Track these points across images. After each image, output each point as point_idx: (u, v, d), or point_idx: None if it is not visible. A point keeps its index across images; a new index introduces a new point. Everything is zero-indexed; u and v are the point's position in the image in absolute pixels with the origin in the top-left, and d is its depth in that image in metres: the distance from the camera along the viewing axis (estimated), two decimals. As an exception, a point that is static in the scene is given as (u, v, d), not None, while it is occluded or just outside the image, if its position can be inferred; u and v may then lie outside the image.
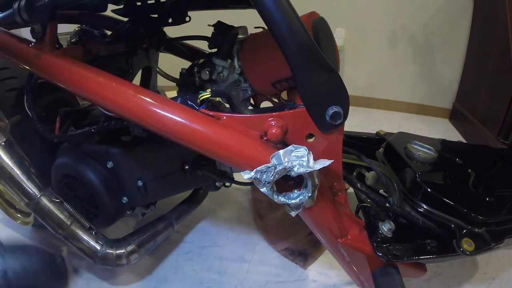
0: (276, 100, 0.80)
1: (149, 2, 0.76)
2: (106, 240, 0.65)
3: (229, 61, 0.66)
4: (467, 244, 0.57)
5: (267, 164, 0.39)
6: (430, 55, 1.82)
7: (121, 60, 0.80)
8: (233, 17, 0.74)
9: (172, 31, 0.88)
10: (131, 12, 0.77)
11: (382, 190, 0.74)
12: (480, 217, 0.61)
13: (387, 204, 0.60)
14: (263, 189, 0.40)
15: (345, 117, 0.42)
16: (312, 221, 0.52)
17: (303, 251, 0.91)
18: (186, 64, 0.75)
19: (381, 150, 0.86)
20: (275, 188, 0.40)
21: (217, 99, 0.53)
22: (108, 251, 0.65)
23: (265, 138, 0.43)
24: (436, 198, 0.64)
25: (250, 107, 0.74)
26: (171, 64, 0.91)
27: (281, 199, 0.38)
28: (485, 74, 1.56)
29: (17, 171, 0.59)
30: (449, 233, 0.61)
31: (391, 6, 1.74)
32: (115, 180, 0.64)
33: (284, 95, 0.76)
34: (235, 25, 0.68)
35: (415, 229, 0.63)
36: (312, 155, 0.37)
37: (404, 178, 0.73)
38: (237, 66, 0.67)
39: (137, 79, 0.93)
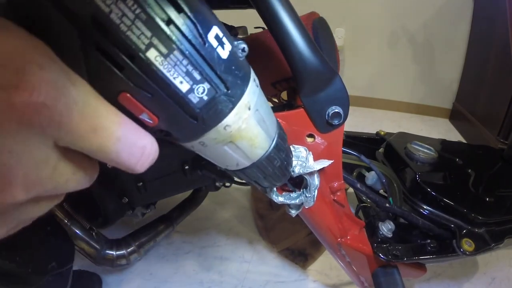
0: (276, 100, 0.80)
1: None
2: (106, 240, 0.65)
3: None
4: (467, 244, 0.57)
5: (267, 165, 0.39)
6: (430, 55, 1.82)
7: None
8: (233, 17, 0.74)
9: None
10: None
11: (382, 190, 0.74)
12: (480, 217, 0.61)
13: (387, 205, 0.60)
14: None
15: (345, 118, 0.42)
16: (312, 221, 0.52)
17: (303, 251, 0.91)
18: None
19: (381, 150, 0.86)
20: (274, 188, 0.40)
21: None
22: (108, 251, 0.65)
23: (265, 138, 0.43)
24: (436, 198, 0.64)
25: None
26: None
27: (281, 199, 0.38)
28: (485, 74, 1.56)
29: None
30: (449, 233, 0.61)
31: (391, 6, 1.74)
32: (115, 180, 0.64)
33: (284, 95, 0.76)
34: (235, 25, 0.68)
35: (415, 229, 0.63)
36: (312, 155, 0.37)
37: (404, 178, 0.73)
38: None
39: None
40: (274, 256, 0.90)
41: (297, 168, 0.35)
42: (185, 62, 0.16)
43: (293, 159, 0.36)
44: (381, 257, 0.56)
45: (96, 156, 0.16)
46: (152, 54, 0.15)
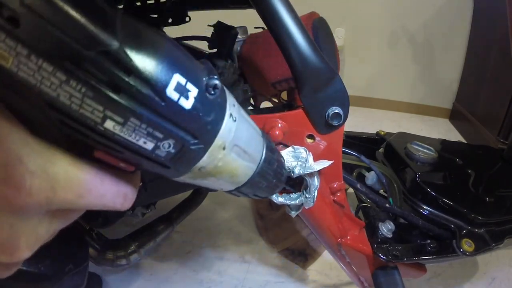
0: (276, 100, 0.80)
1: (148, 2, 0.76)
2: (106, 240, 0.65)
3: (229, 61, 0.66)
4: (467, 245, 0.57)
5: (267, 165, 0.39)
6: (430, 55, 1.82)
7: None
8: (233, 17, 0.74)
9: (172, 31, 0.88)
10: (130, 12, 0.77)
11: (382, 190, 0.74)
12: (480, 218, 0.61)
13: (387, 205, 0.60)
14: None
15: (345, 119, 0.42)
16: (312, 222, 0.52)
17: (303, 251, 0.91)
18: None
19: (381, 150, 0.86)
20: (275, 189, 0.40)
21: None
22: (108, 251, 0.65)
23: (265, 138, 0.43)
24: (436, 198, 0.64)
25: (250, 108, 0.74)
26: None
27: (281, 200, 0.38)
28: (485, 74, 1.56)
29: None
30: (449, 233, 0.61)
31: (391, 6, 1.74)
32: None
33: (284, 95, 0.76)
34: (235, 25, 0.68)
35: (415, 230, 0.63)
36: (312, 155, 0.37)
37: (404, 178, 0.73)
38: (237, 67, 0.66)
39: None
40: (274, 256, 0.90)
41: (297, 169, 0.35)
42: (143, 125, 0.16)
43: (293, 159, 0.36)
44: (381, 257, 0.56)
45: (84, 209, 0.18)
46: (109, 125, 0.15)
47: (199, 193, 0.89)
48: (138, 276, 0.82)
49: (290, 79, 0.63)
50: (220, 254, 0.90)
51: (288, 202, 0.39)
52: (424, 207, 0.64)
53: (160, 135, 0.16)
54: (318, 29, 0.59)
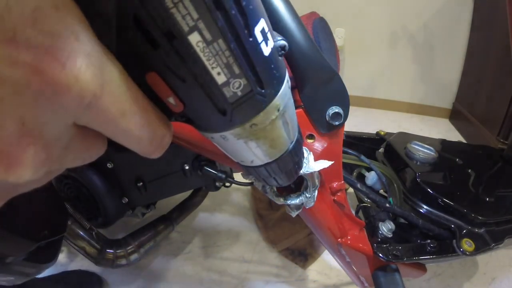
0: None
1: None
2: (106, 240, 0.65)
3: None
4: (467, 245, 0.57)
5: (267, 165, 0.39)
6: (430, 55, 1.82)
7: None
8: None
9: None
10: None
11: (382, 190, 0.74)
12: (480, 218, 0.61)
13: (387, 205, 0.60)
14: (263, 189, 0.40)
15: (345, 118, 0.42)
16: (312, 222, 0.52)
17: (303, 251, 0.91)
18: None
19: (381, 150, 0.86)
20: (275, 189, 0.40)
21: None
22: (108, 251, 0.65)
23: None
24: (436, 198, 0.64)
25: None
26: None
27: (281, 199, 0.38)
28: (485, 74, 1.56)
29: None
30: (449, 233, 0.61)
31: (391, 6, 1.74)
32: (115, 181, 0.64)
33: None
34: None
35: (415, 230, 0.63)
36: (312, 155, 0.37)
37: (404, 178, 0.73)
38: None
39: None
40: (274, 256, 0.90)
41: (297, 168, 0.35)
42: (227, 53, 0.15)
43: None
44: (381, 257, 0.56)
45: (116, 138, 0.15)
46: (194, 39, 0.13)
47: (199, 193, 0.89)
48: (138, 276, 0.82)
49: (290, 78, 0.63)
50: (220, 254, 0.90)
51: (289, 202, 0.39)
52: (424, 207, 0.64)
53: (236, 71, 0.15)
54: (318, 29, 0.59)
